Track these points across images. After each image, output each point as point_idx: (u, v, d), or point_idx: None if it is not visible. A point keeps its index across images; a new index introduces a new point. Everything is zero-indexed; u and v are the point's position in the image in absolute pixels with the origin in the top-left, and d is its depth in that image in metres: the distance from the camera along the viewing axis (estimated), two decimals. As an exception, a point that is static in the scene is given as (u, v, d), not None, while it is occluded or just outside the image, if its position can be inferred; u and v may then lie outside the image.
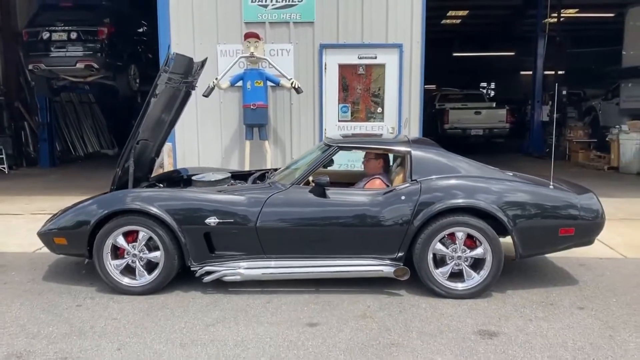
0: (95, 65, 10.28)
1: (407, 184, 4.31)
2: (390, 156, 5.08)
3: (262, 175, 5.13)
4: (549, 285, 4.56)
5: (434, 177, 4.34)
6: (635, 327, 3.72)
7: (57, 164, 13.02)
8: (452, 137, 15.00)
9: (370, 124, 7.41)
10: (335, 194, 4.34)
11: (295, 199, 4.34)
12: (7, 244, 5.93)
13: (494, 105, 16.91)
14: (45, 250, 5.44)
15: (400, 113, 7.33)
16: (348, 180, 5.16)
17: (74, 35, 10.25)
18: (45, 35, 10.23)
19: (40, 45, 10.34)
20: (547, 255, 5.25)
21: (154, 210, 4.24)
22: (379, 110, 7.44)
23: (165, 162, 7.23)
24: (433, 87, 22.41)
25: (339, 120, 7.45)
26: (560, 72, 16.98)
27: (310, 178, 4.53)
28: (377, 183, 4.62)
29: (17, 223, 6.89)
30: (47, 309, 4.08)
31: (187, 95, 5.27)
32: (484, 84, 29.62)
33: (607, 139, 12.10)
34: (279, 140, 7.57)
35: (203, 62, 5.34)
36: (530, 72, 16.39)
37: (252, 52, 6.88)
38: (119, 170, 4.78)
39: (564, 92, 17.02)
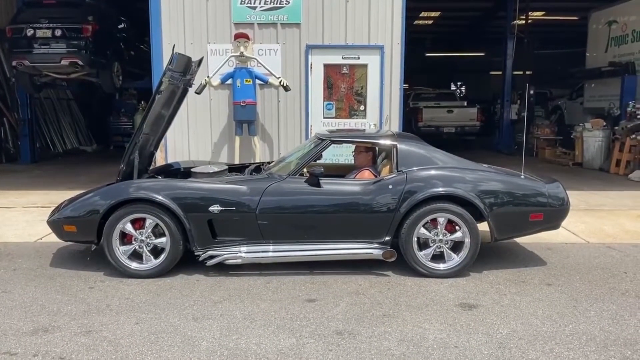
0: (80, 62, 10.42)
1: (394, 175, 4.74)
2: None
3: (258, 168, 5.49)
4: (520, 266, 5.04)
5: (417, 168, 4.77)
6: (595, 299, 4.22)
7: (38, 160, 13.09)
8: (426, 134, 15.54)
9: (353, 121, 7.83)
10: (329, 184, 4.73)
11: (292, 188, 4.72)
12: (6, 234, 6.14)
13: (466, 104, 17.54)
14: (47, 239, 5.74)
15: (381, 110, 7.77)
16: (337, 172, 5.54)
17: (58, 33, 10.35)
18: (30, 32, 10.31)
19: (24, 42, 10.42)
20: (518, 241, 5.77)
21: (160, 198, 4.57)
22: (362, 107, 7.87)
23: (157, 157, 7.50)
24: (406, 86, 22.93)
25: (324, 117, 7.85)
26: (528, 73, 17.69)
27: (305, 169, 4.91)
28: (367, 174, 5.03)
29: (11, 215, 7.08)
30: (62, 291, 4.37)
31: (185, 92, 5.57)
32: (457, 83, 30.40)
33: (571, 136, 12.79)
34: (267, 135, 7.92)
35: (200, 61, 5.65)
36: (499, 72, 17.06)
37: (242, 52, 7.22)
38: (123, 164, 5.07)
39: (532, 92, 17.77)
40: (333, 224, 4.70)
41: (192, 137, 7.85)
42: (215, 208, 4.59)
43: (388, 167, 4.96)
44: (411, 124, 16.24)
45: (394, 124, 7.74)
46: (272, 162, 5.82)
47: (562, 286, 4.51)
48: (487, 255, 5.22)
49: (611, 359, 3.25)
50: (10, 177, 10.59)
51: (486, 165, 5.23)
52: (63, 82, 13.77)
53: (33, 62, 10.46)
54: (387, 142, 4.99)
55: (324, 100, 7.84)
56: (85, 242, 4.93)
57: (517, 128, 16.10)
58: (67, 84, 14.97)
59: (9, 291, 4.36)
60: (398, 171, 4.75)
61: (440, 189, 4.62)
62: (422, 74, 24.03)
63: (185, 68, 5.26)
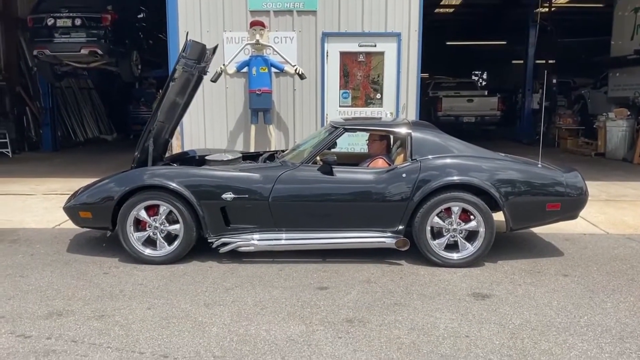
0: (99, 52, 10.53)
1: (408, 163, 4.69)
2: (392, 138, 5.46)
3: (271, 156, 5.47)
4: (536, 256, 4.96)
5: (432, 156, 4.71)
6: (612, 290, 4.13)
7: (59, 148, 13.28)
8: (445, 124, 15.41)
9: (369, 110, 7.77)
10: (342, 172, 4.70)
11: (305, 176, 4.70)
12: (25, 220, 6.24)
13: (486, 93, 17.31)
14: (65, 226, 5.81)
15: (398, 99, 7.68)
16: (351, 161, 5.50)
17: (78, 22, 10.48)
18: (50, 21, 10.45)
19: (45, 31, 10.56)
20: (535, 231, 5.68)
21: (174, 186, 4.59)
22: (378, 96, 7.79)
23: (174, 145, 7.55)
24: (426, 75, 22.77)
25: (340, 106, 7.80)
26: (551, 62, 17.35)
27: (318, 157, 4.88)
28: (380, 162, 4.99)
29: (32, 202, 7.20)
30: (77, 276, 4.43)
31: (199, 79, 5.57)
32: (477, 73, 30.02)
33: (594, 125, 12.52)
34: (282, 124, 7.91)
35: (214, 49, 5.64)
36: (522, 61, 16.77)
37: (258, 40, 7.18)
38: (137, 151, 5.10)
39: (554, 81, 17.46)
40: (346, 212, 4.67)
41: (209, 125, 7.87)
42: (228, 195, 4.60)
43: (402, 155, 4.91)
44: (430, 114, 16.13)
45: (411, 113, 7.67)
46: (285, 150, 5.80)
47: (578, 277, 4.43)
48: (503, 245, 5.15)
49: (627, 351, 3.18)
50: (31, 165, 10.77)
51: (503, 154, 5.14)
52: (84, 71, 13.94)
53: (53, 51, 10.60)
54: (401, 130, 4.93)
55: (340, 89, 7.78)
56: (101, 229, 4.98)
57: (538, 118, 15.85)
58: (87, 74, 15.13)
59: (26, 276, 4.43)
60: (412, 159, 4.70)
61: (455, 178, 4.56)
62: (442, 63, 23.77)
63: (199, 55, 5.25)
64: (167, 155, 5.90)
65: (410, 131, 4.83)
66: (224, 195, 4.60)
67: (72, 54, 10.69)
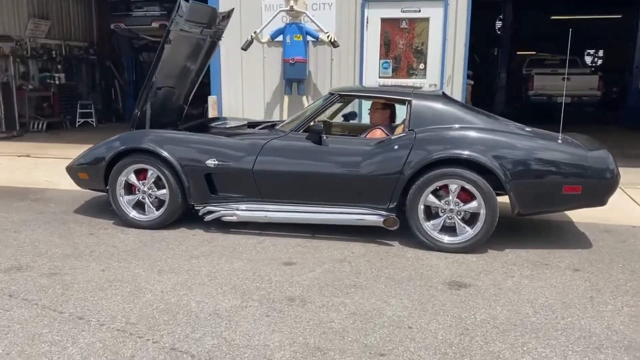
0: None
1: (403, 134, 4.23)
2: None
3: (274, 125, 5.21)
4: (556, 247, 4.28)
5: (431, 127, 4.20)
6: (625, 292, 3.44)
7: (141, 120, 13.92)
8: (536, 104, 14.16)
9: (411, 81, 7.20)
10: (331, 142, 4.35)
11: (292, 145, 4.41)
12: (60, 183, 6.50)
13: (588, 71, 15.62)
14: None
15: (443, 70, 7.04)
16: (355, 133, 5.09)
17: (150, -4, 10.87)
18: (126, -4, 10.93)
19: (122, 5, 11.07)
20: (574, 219, 4.96)
21: (159, 150, 4.49)
22: (421, 66, 7.19)
23: (210, 115, 7.54)
24: (533, 53, 21.09)
25: (379, 77, 7.29)
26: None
27: (311, 125, 4.53)
28: (378, 133, 4.55)
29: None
30: (64, 235, 4.50)
31: (213, 45, 5.42)
32: (592, 51, 27.30)
33: None
34: (319, 95, 7.53)
35: (229, 13, 5.45)
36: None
37: (292, 6, 6.87)
38: (137, 111, 5.07)
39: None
40: (333, 185, 4.31)
41: (246, 95, 7.74)
42: (211, 162, 4.42)
43: (402, 126, 4.44)
44: (521, 93, 14.92)
45: (457, 85, 6.99)
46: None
47: (592, 273, 3.75)
48: (523, 232, 4.57)
49: (595, 364, 2.59)
50: (107, 133, 11.19)
51: (529, 129, 4.46)
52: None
53: (128, 25, 11.07)
54: (400, 97, 4.45)
55: (380, 59, 7.25)
56: (100, 190, 5.01)
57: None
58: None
59: (19, 231, 4.58)
60: (409, 130, 4.23)
61: (452, 152, 4.03)
62: (549, 40, 21.87)
63: (209, 19, 5.09)
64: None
65: (409, 99, 4.33)
66: (207, 162, 4.43)
67: (144, 27, 11.12)
